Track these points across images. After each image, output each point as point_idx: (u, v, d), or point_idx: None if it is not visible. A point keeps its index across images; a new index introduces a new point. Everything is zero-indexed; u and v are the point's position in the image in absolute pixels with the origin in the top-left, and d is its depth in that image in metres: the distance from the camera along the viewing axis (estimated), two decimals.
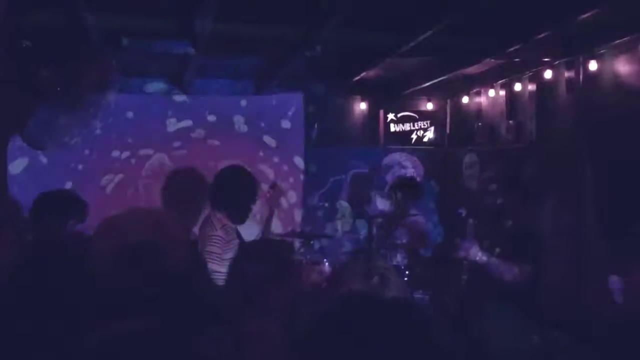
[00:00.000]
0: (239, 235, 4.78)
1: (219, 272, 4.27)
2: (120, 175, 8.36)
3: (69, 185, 7.87)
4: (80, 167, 8.13)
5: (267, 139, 8.77)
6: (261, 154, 8.74)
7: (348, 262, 2.58)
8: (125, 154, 8.37)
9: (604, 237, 5.81)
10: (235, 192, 4.74)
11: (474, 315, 4.75)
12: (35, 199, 4.25)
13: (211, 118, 8.65)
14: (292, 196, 8.81)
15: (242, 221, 4.80)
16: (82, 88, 4.60)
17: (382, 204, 8.71)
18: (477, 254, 4.71)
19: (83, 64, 4.45)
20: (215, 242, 4.53)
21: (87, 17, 4.40)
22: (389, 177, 9.05)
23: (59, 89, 4.42)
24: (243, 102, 8.74)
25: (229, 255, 4.57)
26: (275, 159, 8.77)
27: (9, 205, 3.93)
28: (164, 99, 8.47)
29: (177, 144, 8.53)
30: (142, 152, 8.44)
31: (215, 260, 4.42)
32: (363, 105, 9.19)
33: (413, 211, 7.03)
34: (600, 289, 5.05)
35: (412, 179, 7.74)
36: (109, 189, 8.31)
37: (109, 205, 7.94)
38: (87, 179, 8.05)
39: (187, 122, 8.56)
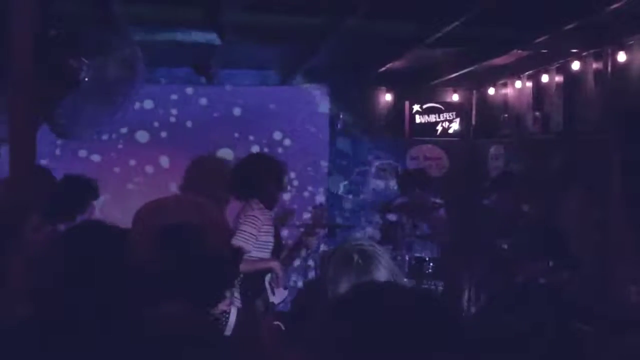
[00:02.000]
0: None
1: (248, 251, 4.38)
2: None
3: None
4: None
5: (292, 130, 8.76)
6: (286, 143, 8.75)
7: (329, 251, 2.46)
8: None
9: (631, 230, 5.76)
10: (261, 179, 4.79)
11: (490, 304, 4.76)
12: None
13: (236, 110, 8.66)
14: (317, 186, 8.80)
15: (270, 207, 4.87)
16: (109, 77, 4.62)
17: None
18: None
19: (110, 53, 4.48)
20: (250, 222, 4.60)
21: (114, 5, 4.43)
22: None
23: (86, 78, 4.45)
24: (268, 93, 8.74)
25: (265, 238, 4.67)
26: (298, 148, 8.75)
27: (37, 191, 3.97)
28: (189, 88, 8.52)
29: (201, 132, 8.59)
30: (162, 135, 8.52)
31: (247, 239, 4.49)
32: (388, 97, 9.15)
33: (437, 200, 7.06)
34: (625, 290, 5.00)
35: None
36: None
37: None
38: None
39: (212, 113, 8.60)
